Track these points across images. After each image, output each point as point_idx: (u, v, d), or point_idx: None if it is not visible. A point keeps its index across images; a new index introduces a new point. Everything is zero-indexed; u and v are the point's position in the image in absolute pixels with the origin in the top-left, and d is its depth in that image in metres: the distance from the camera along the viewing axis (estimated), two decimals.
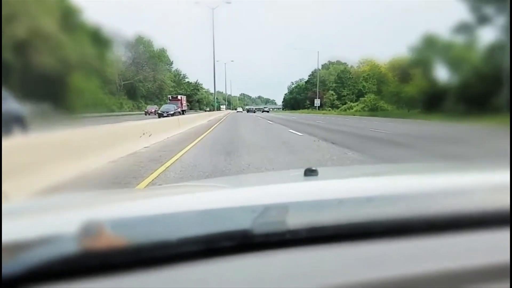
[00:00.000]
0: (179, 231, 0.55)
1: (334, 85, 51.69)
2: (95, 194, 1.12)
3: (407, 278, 0.49)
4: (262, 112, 77.85)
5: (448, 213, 0.62)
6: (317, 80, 50.87)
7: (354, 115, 31.87)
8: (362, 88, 41.80)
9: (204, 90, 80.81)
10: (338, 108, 45.03)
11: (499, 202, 0.64)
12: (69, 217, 0.64)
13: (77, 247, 0.49)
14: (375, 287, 0.48)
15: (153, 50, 41.45)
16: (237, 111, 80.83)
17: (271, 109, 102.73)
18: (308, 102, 63.85)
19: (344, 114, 34.46)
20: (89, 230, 0.51)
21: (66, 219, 0.63)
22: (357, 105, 36.32)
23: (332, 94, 50.33)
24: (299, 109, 65.33)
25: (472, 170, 1.12)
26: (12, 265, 0.46)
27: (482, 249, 0.56)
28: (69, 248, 0.49)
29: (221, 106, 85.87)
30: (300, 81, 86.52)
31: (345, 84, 48.67)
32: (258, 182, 1.23)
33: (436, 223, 0.60)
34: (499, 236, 0.58)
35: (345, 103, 42.63)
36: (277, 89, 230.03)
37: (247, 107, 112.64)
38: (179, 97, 40.43)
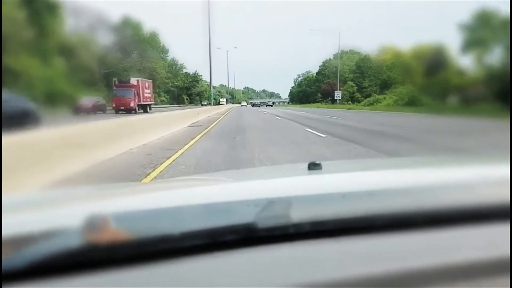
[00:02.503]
0: (182, 225, 0.55)
1: (351, 75, 46.49)
2: (99, 188, 1.13)
3: (409, 271, 0.50)
4: (266, 106, 73.44)
5: (450, 207, 0.63)
6: (338, 68, 45.36)
7: (388, 110, 26.76)
8: (386, 79, 36.80)
9: (206, 83, 75.94)
10: (359, 101, 39.88)
11: (499, 196, 0.65)
12: (73, 211, 0.65)
13: (81, 241, 0.50)
14: (378, 281, 0.49)
15: (143, 34, 36.47)
16: (242, 105, 77.70)
17: (277, 103, 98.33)
18: (319, 95, 58.95)
19: (375, 110, 29.27)
20: (93, 224, 0.52)
21: (70, 213, 0.64)
22: (384, 98, 31.28)
23: (351, 85, 44.98)
24: (309, 103, 60.37)
25: (474, 163, 1.12)
26: (16, 259, 0.47)
27: (483, 243, 0.57)
28: (73, 242, 0.50)
29: (221, 100, 79.53)
30: (307, 74, 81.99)
31: (365, 74, 43.44)
32: (262, 176, 1.22)
33: (438, 217, 0.61)
34: (499, 230, 0.58)
35: (369, 95, 37.44)
36: (281, 82, 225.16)
37: (251, 101, 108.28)
38: (133, 81, 24.60)
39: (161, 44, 46.80)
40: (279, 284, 0.47)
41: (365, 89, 41.65)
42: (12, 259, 0.47)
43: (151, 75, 35.40)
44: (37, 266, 0.47)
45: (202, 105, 38.69)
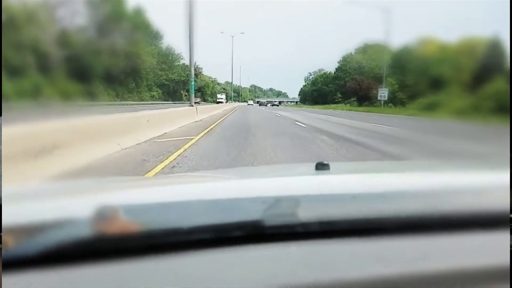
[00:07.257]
0: (190, 219, 0.58)
1: (387, 71, 39.55)
2: (109, 180, 1.18)
3: (414, 275, 0.52)
4: (272, 105, 66.68)
5: (457, 212, 0.64)
6: (383, 57, 38.09)
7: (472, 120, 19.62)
8: (435, 76, 29.90)
9: (208, 77, 69.17)
10: (402, 103, 32.88)
11: (503, 202, 0.66)
12: (84, 202, 0.68)
13: (92, 231, 0.52)
14: (384, 283, 0.50)
15: (124, 10, 29.91)
16: (248, 104, 71.84)
17: (284, 103, 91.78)
18: (339, 95, 51.93)
19: (449, 118, 22.33)
20: (104, 214, 0.54)
21: (81, 203, 0.66)
22: (443, 100, 24.25)
23: (392, 83, 37.82)
24: (327, 104, 53.43)
25: (484, 168, 1.13)
26: (27, 247, 0.50)
27: (484, 249, 0.58)
28: (84, 231, 0.52)
29: (218, 96, 70.45)
30: (320, 71, 74.97)
31: (405, 70, 36.51)
32: (269, 174, 1.24)
33: (445, 222, 0.62)
34: (501, 237, 0.60)
35: (414, 96, 30.42)
36: (288, 81, 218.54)
37: (257, 99, 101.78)
38: None
39: (154, 28, 39.98)
40: (284, 281, 0.48)
41: (409, 88, 34.62)
42: (24, 247, 0.49)
43: (135, 63, 28.44)
44: (48, 254, 0.49)
45: (194, 103, 30.13)
